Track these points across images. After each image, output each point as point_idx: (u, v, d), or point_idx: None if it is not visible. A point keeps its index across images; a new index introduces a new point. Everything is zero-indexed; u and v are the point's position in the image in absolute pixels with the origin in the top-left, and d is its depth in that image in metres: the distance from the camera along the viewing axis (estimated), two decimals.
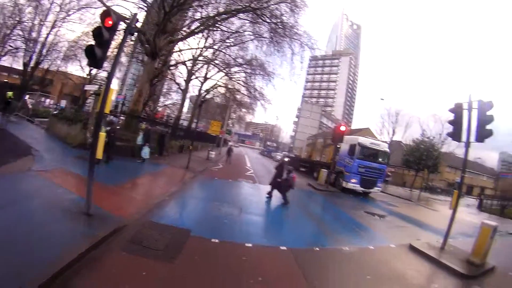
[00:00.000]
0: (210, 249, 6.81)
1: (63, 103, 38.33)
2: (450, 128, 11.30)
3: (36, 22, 37.69)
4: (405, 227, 14.37)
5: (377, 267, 7.74)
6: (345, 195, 22.04)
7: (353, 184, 23.27)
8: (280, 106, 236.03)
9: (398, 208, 21.05)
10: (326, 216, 14.52)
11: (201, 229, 8.04)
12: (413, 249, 10.02)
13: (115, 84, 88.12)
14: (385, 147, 25.95)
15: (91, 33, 6.87)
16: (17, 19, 36.88)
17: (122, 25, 8.76)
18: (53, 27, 38.48)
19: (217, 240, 7.35)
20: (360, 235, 10.97)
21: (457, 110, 10.81)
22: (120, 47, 7.77)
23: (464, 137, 10.46)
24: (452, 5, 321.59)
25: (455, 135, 10.88)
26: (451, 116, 11.09)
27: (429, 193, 47.26)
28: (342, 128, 24.31)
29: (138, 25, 22.44)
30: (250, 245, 7.54)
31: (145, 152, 17.77)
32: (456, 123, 10.78)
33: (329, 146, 40.13)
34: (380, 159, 24.97)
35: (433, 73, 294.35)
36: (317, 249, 8.29)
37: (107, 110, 7.07)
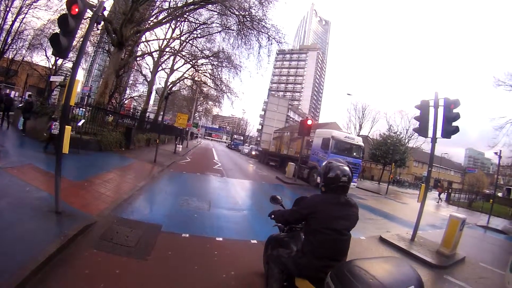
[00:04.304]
0: (181, 244, 6.72)
1: (27, 95, 36.76)
2: (416, 124, 11.55)
3: (1, 7, 36.12)
4: (375, 220, 14.61)
5: (348, 259, 7.76)
6: (313, 188, 22.05)
7: None
8: (247, 99, 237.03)
9: (367, 201, 21.38)
10: None
11: (172, 224, 7.93)
12: (383, 241, 10.26)
13: (80, 75, 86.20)
14: (359, 141, 25.49)
15: (56, 21, 6.54)
16: None
17: (89, 13, 8.40)
18: (18, 13, 37.15)
19: (187, 235, 7.26)
20: None
21: (423, 107, 11.10)
22: (86, 36, 7.43)
23: (430, 133, 10.73)
24: (420, 5, 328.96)
25: (422, 130, 11.17)
26: (417, 113, 11.33)
27: (397, 187, 48.49)
28: (309, 122, 24.13)
29: (105, 13, 21.95)
30: (220, 239, 7.49)
31: (20, 123, 17.97)
32: (422, 119, 11.09)
33: (296, 139, 40.32)
34: (354, 154, 24.47)
35: (400, 71, 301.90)
36: None
37: (72, 102, 6.76)
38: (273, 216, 4.25)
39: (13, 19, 37.38)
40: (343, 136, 24.43)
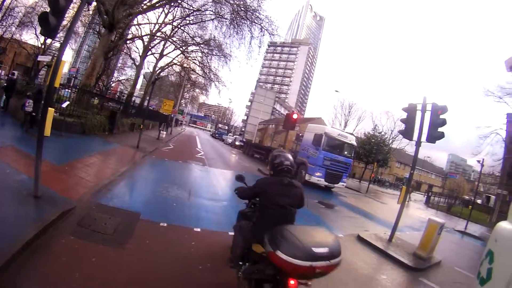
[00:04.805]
0: (159, 234, 6.70)
1: (15, 74, 35.98)
2: (402, 126, 11.66)
3: None
4: (354, 218, 14.83)
5: None
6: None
7: (317, 177, 21.87)
8: (234, 89, 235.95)
9: (347, 199, 21.62)
10: None
11: (151, 212, 7.90)
12: (361, 239, 10.37)
13: (69, 56, 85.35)
14: (352, 140, 24.64)
15: None
16: None
17: None
18: None
19: (165, 224, 7.24)
20: (308, 223, 11.09)
21: (410, 110, 11.21)
22: (76, 16, 7.27)
23: (415, 136, 10.86)
24: (412, 9, 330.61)
25: (407, 133, 11.30)
26: (404, 115, 11.44)
27: (377, 186, 48.93)
28: (295, 116, 23.68)
29: None
30: (198, 229, 7.49)
31: (2, 101, 18.06)
32: (409, 122, 11.20)
33: (280, 132, 40.26)
34: (346, 152, 23.80)
35: (390, 72, 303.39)
36: None
37: (57, 83, 6.68)
38: (237, 191, 5.00)
39: None
40: (337, 133, 23.66)
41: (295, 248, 3.31)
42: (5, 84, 19.12)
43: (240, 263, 4.61)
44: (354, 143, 24.85)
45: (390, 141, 51.75)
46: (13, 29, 41.33)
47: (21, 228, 4.92)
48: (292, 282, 3.49)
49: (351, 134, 27.47)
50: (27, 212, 5.68)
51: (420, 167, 75.24)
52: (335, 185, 23.44)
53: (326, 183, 22.68)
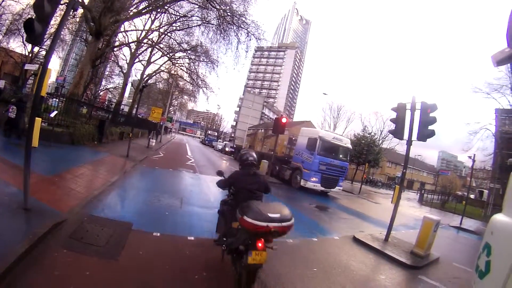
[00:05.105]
0: (152, 244, 6.60)
1: (1, 83, 35.63)
2: (392, 126, 11.69)
3: None
4: (348, 219, 14.78)
5: (323, 259, 7.86)
6: (286, 187, 22.21)
7: (313, 183, 21.38)
8: (222, 95, 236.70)
9: (341, 201, 21.60)
10: None
11: (143, 222, 7.79)
12: (357, 241, 10.33)
13: (56, 64, 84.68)
14: (347, 143, 24.26)
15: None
16: None
17: None
18: None
19: (158, 234, 7.15)
20: (302, 226, 11.04)
21: (400, 109, 11.26)
22: (62, 22, 7.21)
23: (406, 135, 10.90)
24: (398, 8, 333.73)
25: (397, 133, 11.37)
26: (393, 115, 11.48)
27: (370, 186, 49.09)
28: (284, 120, 23.42)
29: (85, 1, 21.53)
30: (192, 238, 7.43)
31: None
32: (399, 121, 11.25)
33: (270, 137, 40.22)
34: (342, 156, 23.27)
35: (377, 73, 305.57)
36: None
37: (43, 92, 6.54)
38: (217, 183, 6.49)
39: None
40: (331, 136, 23.09)
41: (256, 213, 4.66)
42: None
43: (224, 239, 5.93)
44: (350, 146, 24.50)
45: (380, 141, 51.86)
46: (0, 37, 40.70)
47: (11, 243, 4.79)
48: (259, 244, 4.75)
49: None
50: (17, 225, 5.58)
51: (412, 165, 75.94)
52: (332, 189, 22.95)
53: (323, 188, 22.10)
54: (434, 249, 10.07)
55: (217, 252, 6.53)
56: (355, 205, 21.17)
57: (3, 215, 5.77)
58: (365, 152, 43.20)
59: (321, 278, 6.66)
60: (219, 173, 7.12)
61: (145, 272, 5.29)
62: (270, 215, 4.69)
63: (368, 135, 47.66)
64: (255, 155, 6.27)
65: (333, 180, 22.38)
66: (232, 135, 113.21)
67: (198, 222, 9.00)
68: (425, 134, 10.38)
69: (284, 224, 4.75)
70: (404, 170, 11.67)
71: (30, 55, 42.03)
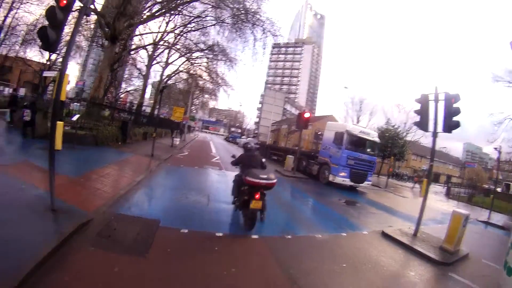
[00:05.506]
0: (180, 240, 6.61)
1: (22, 91, 36.40)
2: (416, 118, 11.39)
3: None
4: (377, 214, 14.50)
5: (352, 255, 7.70)
6: (313, 182, 21.87)
7: (342, 178, 20.68)
8: (243, 92, 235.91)
9: (368, 195, 21.05)
10: (296, 203, 14.31)
11: (170, 219, 7.82)
12: (385, 236, 10.10)
13: (75, 70, 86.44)
14: (375, 136, 23.30)
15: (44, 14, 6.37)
16: None
17: (78, 4, 8.14)
18: (10, 8, 36.94)
19: (186, 230, 7.14)
20: (331, 221, 10.98)
21: (423, 101, 10.98)
22: (75, 28, 7.21)
23: (431, 127, 10.59)
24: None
25: (422, 125, 11.07)
26: (416, 106, 11.20)
27: (396, 180, 48.26)
28: (306, 115, 23.40)
29: (98, 7, 21.71)
30: (220, 234, 7.38)
31: (7, 115, 19.14)
32: (423, 113, 10.96)
33: (294, 132, 39.88)
34: (369, 150, 22.48)
35: (397, 64, 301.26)
36: (289, 237, 8.20)
37: (63, 97, 6.61)
38: (231, 163, 9.62)
39: (5, 14, 37.14)
40: (358, 130, 22.08)
41: (253, 175, 7.60)
42: (8, 100, 20.57)
43: (236, 198, 9.12)
44: (377, 139, 23.65)
45: (404, 133, 50.84)
46: (17, 47, 41.73)
47: (39, 242, 4.84)
48: (257, 196, 7.58)
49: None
50: (44, 226, 5.62)
51: (437, 158, 74.60)
52: (361, 184, 22.16)
53: (352, 183, 21.47)
54: (464, 244, 9.76)
55: (246, 248, 6.64)
56: (382, 199, 20.66)
57: (30, 216, 5.84)
58: (389, 145, 42.37)
59: (350, 273, 6.52)
60: (233, 156, 9.87)
61: (174, 267, 5.29)
62: (261, 176, 7.67)
63: (392, 128, 46.77)
64: (254, 143, 9.67)
65: (362, 174, 21.69)
66: (256, 131, 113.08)
67: (226, 218, 8.98)
68: (450, 125, 10.08)
69: (269, 181, 7.69)
70: (431, 163, 11.35)
71: (48, 62, 42.77)
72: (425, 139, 48.27)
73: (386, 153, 43.02)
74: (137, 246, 5.81)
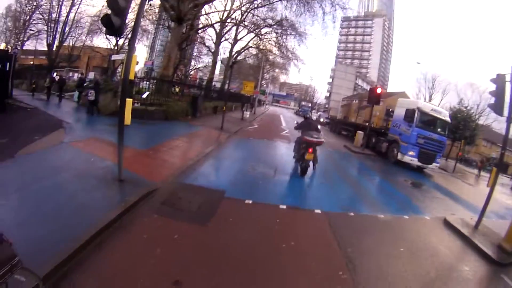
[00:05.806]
0: (243, 211, 6.74)
1: (91, 75, 39.62)
2: (491, 100, 10.43)
3: (54, 3, 40.90)
4: (441, 199, 13.55)
5: (411, 239, 7.38)
6: (380, 159, 21.23)
7: (410, 157, 19.77)
8: (314, 66, 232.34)
9: (435, 178, 19.73)
10: (361, 180, 13.97)
11: (236, 190, 7.95)
12: (447, 224, 9.44)
13: (144, 52, 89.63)
14: (446, 116, 21.90)
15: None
16: (35, 3, 40.65)
17: None
18: (72, 5, 41.16)
19: (250, 201, 7.26)
20: (395, 202, 10.62)
21: (499, 81, 9.75)
22: (139, 12, 7.56)
23: (506, 112, 9.66)
24: None
25: (496, 107, 9.79)
26: (491, 87, 10.18)
27: (464, 166, 45.33)
28: (379, 90, 22.82)
29: None
30: (284, 207, 7.40)
31: (75, 96, 21.65)
32: (498, 95, 9.81)
33: (365, 107, 38.81)
34: (440, 130, 21.11)
35: (474, 38, 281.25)
36: (352, 214, 8.03)
37: (131, 76, 6.99)
38: (294, 127, 12.42)
39: (67, 11, 41.65)
40: (430, 108, 21.07)
41: (309, 135, 10.77)
42: (76, 82, 23.14)
43: (296, 154, 11.86)
44: (448, 119, 22.21)
45: (477, 116, 47.65)
46: (83, 37, 46.33)
47: (105, 209, 5.22)
48: (310, 150, 10.48)
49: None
50: (111, 194, 6.03)
51: (509, 146, 68.97)
52: (429, 165, 20.88)
53: (419, 164, 20.37)
54: None
55: (307, 222, 6.69)
56: (448, 184, 19.22)
57: (99, 186, 6.29)
58: (461, 127, 39.94)
59: (406, 259, 6.21)
60: (296, 123, 12.50)
61: (233, 237, 5.44)
62: (314, 135, 10.75)
63: (465, 109, 44.03)
64: (310, 113, 13.95)
65: (431, 155, 20.46)
66: (326, 106, 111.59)
67: (290, 191, 9.08)
68: None
69: (319, 140, 10.79)
70: (503, 151, 10.51)
71: (116, 47, 45.17)
72: (497, 124, 45.12)
73: (456, 136, 40.53)
74: (200, 215, 6.01)
